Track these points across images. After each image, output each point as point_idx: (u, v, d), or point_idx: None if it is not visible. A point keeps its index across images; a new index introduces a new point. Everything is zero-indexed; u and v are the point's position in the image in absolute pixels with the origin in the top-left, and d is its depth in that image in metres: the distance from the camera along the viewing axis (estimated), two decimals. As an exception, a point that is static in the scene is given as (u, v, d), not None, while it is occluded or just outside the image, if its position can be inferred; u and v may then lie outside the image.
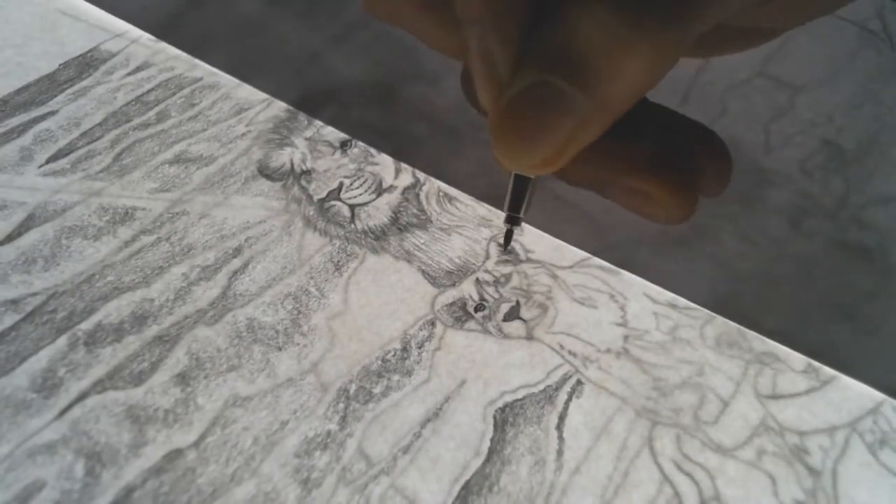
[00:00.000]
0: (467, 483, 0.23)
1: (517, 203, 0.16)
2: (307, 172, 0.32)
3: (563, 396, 0.26)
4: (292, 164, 0.32)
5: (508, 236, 0.19)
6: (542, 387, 0.26)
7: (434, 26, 0.15)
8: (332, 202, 0.31)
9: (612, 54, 0.12)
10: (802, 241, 0.33)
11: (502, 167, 0.14)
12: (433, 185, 0.32)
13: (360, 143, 0.34)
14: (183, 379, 0.24)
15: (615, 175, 0.15)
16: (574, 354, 0.27)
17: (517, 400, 0.25)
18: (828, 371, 0.27)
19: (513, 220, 0.17)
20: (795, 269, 0.31)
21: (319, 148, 0.33)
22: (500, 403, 0.25)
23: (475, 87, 0.14)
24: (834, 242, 0.33)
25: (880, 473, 0.25)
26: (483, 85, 0.14)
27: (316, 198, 0.31)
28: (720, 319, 0.29)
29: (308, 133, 0.34)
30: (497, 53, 0.13)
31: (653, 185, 0.15)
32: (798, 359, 0.28)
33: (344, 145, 0.34)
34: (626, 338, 0.28)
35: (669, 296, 0.29)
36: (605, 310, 0.29)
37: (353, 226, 0.30)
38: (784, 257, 0.32)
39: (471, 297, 0.28)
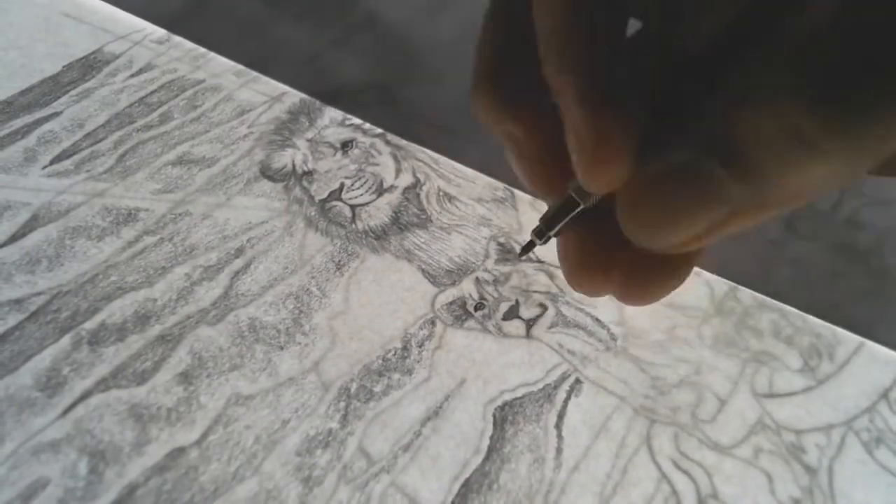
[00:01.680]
0: (467, 481, 0.23)
1: (555, 222, 0.16)
2: (309, 173, 0.32)
3: (561, 395, 0.26)
4: (294, 166, 0.33)
5: (529, 247, 0.18)
6: (541, 385, 0.26)
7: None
8: (334, 202, 0.31)
9: (792, 154, 0.10)
10: (798, 243, 0.33)
11: (636, 240, 0.13)
12: (433, 184, 0.33)
13: (361, 144, 0.34)
14: (185, 378, 0.24)
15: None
16: (573, 353, 0.27)
17: (516, 398, 0.26)
18: (824, 370, 0.28)
19: (541, 235, 0.16)
20: (791, 272, 0.32)
21: (321, 149, 0.34)
22: (499, 402, 0.25)
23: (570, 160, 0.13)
24: (829, 244, 0.33)
25: (876, 471, 0.25)
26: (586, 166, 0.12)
27: (317, 198, 0.31)
28: (717, 319, 0.29)
29: (309, 134, 0.34)
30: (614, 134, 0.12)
31: (570, 237, 0.14)
32: (795, 358, 0.28)
33: (345, 146, 0.34)
34: (624, 337, 0.28)
35: (668, 295, 0.30)
36: (604, 309, 0.29)
37: (354, 226, 0.30)
38: (779, 259, 0.32)
39: (470, 296, 0.29)
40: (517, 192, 0.33)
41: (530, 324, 0.28)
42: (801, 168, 0.10)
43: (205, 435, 0.23)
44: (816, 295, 0.31)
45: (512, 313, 0.28)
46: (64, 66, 0.35)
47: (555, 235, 0.16)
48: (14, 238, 0.28)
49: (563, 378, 0.26)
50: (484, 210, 0.32)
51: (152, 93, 0.35)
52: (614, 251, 0.14)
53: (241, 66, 0.37)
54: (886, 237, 0.33)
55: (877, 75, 0.09)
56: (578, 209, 0.15)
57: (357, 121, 0.35)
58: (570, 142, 0.13)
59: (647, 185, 0.12)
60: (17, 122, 0.32)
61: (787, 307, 0.29)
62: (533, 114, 0.14)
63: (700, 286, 0.30)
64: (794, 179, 0.10)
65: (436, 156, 0.34)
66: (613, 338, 0.28)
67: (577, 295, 0.29)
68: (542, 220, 0.16)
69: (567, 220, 0.15)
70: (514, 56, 0.14)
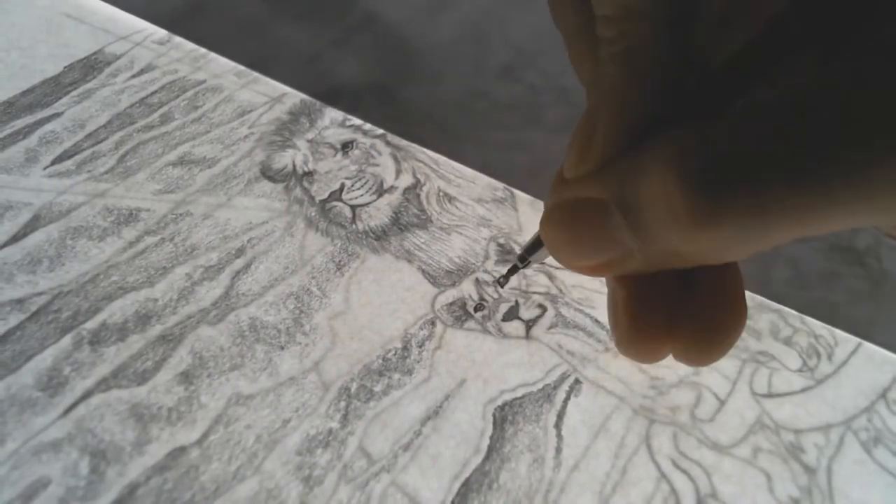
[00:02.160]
0: (467, 480, 0.23)
1: (534, 247, 0.16)
2: (309, 174, 0.32)
3: (561, 395, 0.26)
4: (294, 166, 0.33)
5: (512, 271, 0.19)
6: (540, 385, 0.26)
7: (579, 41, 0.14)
8: (334, 203, 0.31)
9: (669, 227, 0.10)
10: (795, 244, 0.33)
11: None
12: (433, 185, 0.33)
13: (362, 145, 0.34)
14: (186, 378, 0.25)
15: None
16: (572, 354, 0.27)
17: (516, 398, 0.26)
18: (823, 370, 0.28)
19: (523, 260, 0.17)
20: (789, 272, 0.32)
21: (321, 150, 0.34)
22: (499, 402, 0.25)
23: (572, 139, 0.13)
24: (827, 245, 0.33)
25: (874, 471, 0.25)
26: (571, 148, 0.13)
27: (318, 199, 0.31)
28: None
29: (310, 135, 0.34)
30: (601, 123, 0.12)
31: (620, 292, 0.13)
32: (793, 358, 0.28)
33: (345, 147, 0.34)
34: (623, 337, 0.28)
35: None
36: (603, 310, 0.29)
37: (354, 226, 0.31)
38: (778, 260, 0.32)
39: (470, 296, 0.29)
40: (517, 192, 0.33)
41: (530, 324, 0.28)
42: (674, 241, 0.10)
43: (205, 434, 0.23)
44: (814, 296, 0.31)
45: (512, 314, 0.28)
46: (65, 67, 0.35)
47: (534, 261, 0.17)
48: (15, 238, 0.28)
49: (563, 378, 0.26)
50: (484, 210, 0.32)
51: (153, 93, 0.35)
52: (675, 308, 0.13)
53: (241, 67, 0.37)
54: (884, 238, 0.33)
55: (758, 186, 0.09)
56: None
57: (357, 121, 0.35)
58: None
59: (561, 207, 0.12)
60: (19, 123, 0.33)
61: (786, 308, 0.30)
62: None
63: (699, 287, 0.30)
64: (677, 249, 0.11)
65: (436, 156, 0.34)
66: (612, 338, 0.28)
67: (577, 295, 0.29)
68: (525, 249, 0.17)
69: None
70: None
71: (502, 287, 0.29)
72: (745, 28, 0.12)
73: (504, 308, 0.28)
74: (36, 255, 0.28)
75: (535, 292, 0.29)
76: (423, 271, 0.29)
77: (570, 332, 0.28)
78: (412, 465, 0.23)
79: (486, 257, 0.30)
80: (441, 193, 0.33)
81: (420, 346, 0.27)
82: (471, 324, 0.28)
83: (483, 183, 0.33)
